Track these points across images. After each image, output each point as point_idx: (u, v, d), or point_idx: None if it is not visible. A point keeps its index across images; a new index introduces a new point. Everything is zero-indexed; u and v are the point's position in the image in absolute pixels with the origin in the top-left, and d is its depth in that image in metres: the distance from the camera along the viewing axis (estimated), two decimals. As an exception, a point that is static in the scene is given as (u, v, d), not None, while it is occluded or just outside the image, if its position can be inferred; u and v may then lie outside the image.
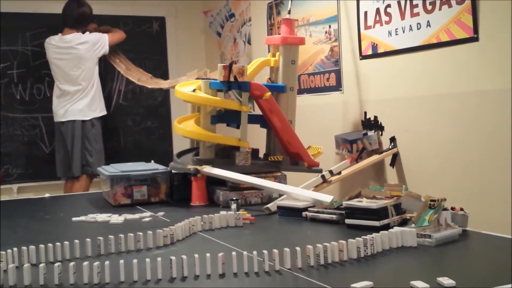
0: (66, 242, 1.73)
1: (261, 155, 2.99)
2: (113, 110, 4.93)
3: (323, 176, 2.82)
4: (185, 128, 2.79)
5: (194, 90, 2.83)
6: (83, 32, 4.32)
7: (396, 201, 2.00)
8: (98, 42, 4.30)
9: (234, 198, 2.32)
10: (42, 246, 1.69)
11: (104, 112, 4.43)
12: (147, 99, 5.07)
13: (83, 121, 4.27)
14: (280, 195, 2.50)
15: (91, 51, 4.28)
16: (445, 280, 1.34)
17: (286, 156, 2.90)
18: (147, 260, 1.49)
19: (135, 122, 5.04)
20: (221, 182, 2.66)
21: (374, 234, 1.68)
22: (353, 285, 1.33)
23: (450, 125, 2.79)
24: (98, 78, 4.38)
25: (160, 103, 5.10)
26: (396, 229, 1.75)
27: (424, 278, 1.35)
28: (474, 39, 2.62)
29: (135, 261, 1.49)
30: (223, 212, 2.16)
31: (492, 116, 2.58)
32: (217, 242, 1.90)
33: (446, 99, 2.81)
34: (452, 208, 1.89)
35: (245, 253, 1.54)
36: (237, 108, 2.77)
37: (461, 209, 1.90)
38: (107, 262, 1.49)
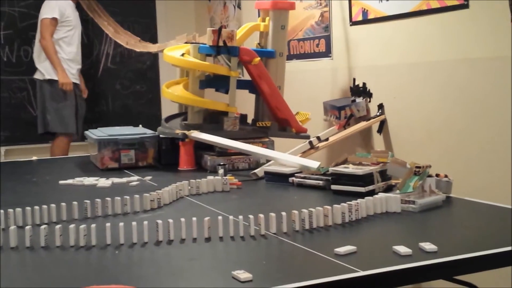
0: (53, 205, 1.74)
1: (249, 120, 2.99)
2: (101, 73, 4.89)
3: (310, 142, 2.83)
4: (173, 93, 2.78)
5: (183, 55, 2.80)
6: None
7: (382, 167, 2.01)
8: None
9: (222, 163, 2.33)
10: (28, 208, 1.70)
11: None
12: (135, 63, 5.02)
13: (43, 80, 4.28)
14: (268, 161, 2.51)
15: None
16: (427, 245, 1.36)
17: (274, 122, 2.90)
18: (134, 223, 1.50)
19: (124, 86, 5.00)
20: (209, 147, 2.66)
21: (359, 200, 1.70)
22: (336, 249, 1.35)
23: (439, 93, 2.80)
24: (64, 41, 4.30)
25: (149, 67, 5.06)
26: (381, 195, 1.77)
27: (407, 243, 1.37)
28: (464, 6, 2.61)
29: (121, 224, 1.50)
30: (210, 177, 2.17)
31: (481, 84, 2.58)
32: (204, 207, 1.91)
33: (436, 66, 2.81)
34: (437, 175, 1.91)
35: (231, 217, 1.55)
36: (226, 73, 2.75)
37: (446, 176, 1.92)
38: (93, 225, 1.49)
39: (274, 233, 1.55)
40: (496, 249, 1.36)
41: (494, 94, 2.51)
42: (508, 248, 1.37)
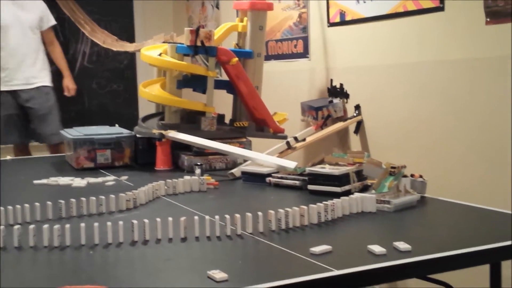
0: (27, 205, 1.72)
1: (227, 120, 2.98)
2: (77, 72, 4.84)
3: (288, 143, 2.83)
4: (150, 92, 2.76)
5: (160, 54, 2.79)
6: None
7: (358, 167, 2.03)
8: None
9: (199, 163, 2.33)
10: (1, 208, 1.67)
11: (7, 85, 4.10)
12: (112, 62, 4.98)
13: None
14: (245, 161, 2.51)
15: None
16: (401, 245, 1.37)
17: (251, 122, 2.90)
18: (108, 223, 1.49)
19: (100, 85, 4.96)
20: (186, 147, 2.65)
21: (334, 200, 1.71)
22: (312, 248, 1.36)
23: (416, 94, 2.83)
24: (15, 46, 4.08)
25: (126, 66, 5.03)
26: (357, 195, 1.78)
27: (382, 243, 1.39)
28: (440, 8, 2.64)
29: (96, 224, 1.49)
30: (187, 177, 2.16)
31: (458, 85, 2.62)
32: (180, 207, 1.90)
33: (413, 68, 2.84)
34: (412, 175, 1.93)
35: (207, 217, 1.55)
36: (203, 73, 2.75)
37: (420, 176, 1.94)
38: (67, 225, 1.48)
39: (250, 233, 1.55)
40: (470, 248, 1.38)
41: (471, 95, 2.55)
42: (482, 247, 1.39)
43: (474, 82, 2.52)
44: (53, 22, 4.24)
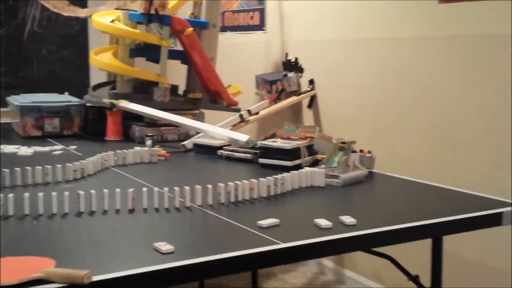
0: (-32, 173, 1.66)
1: (180, 92, 2.95)
2: (26, 37, 4.67)
3: (241, 116, 2.83)
4: (102, 60, 2.70)
5: (112, 21, 2.72)
6: None
7: (309, 142, 2.04)
8: None
9: (150, 134, 2.30)
10: None
11: None
12: (63, 28, 4.82)
13: None
14: (197, 133, 2.50)
15: None
16: (347, 219, 1.40)
17: (205, 94, 2.88)
18: (53, 193, 1.46)
19: (50, 51, 4.80)
20: (137, 118, 2.61)
21: (284, 174, 1.72)
22: (259, 222, 1.37)
23: (369, 71, 2.86)
24: None
25: (78, 32, 4.88)
26: (307, 169, 1.80)
27: (328, 217, 1.41)
28: (395, -14, 2.66)
29: (40, 194, 1.45)
30: (137, 148, 2.14)
31: (409, 63, 2.65)
32: (130, 178, 1.88)
33: (366, 44, 2.86)
34: (361, 151, 1.96)
35: (156, 189, 1.54)
36: (157, 43, 2.70)
37: (369, 152, 1.97)
38: (11, 195, 1.44)
39: (199, 206, 1.54)
40: (413, 222, 1.42)
41: (423, 73, 2.59)
42: (425, 222, 1.42)
43: (427, 61, 2.56)
44: None
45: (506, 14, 2.21)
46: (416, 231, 1.43)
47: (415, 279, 1.75)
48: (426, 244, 1.69)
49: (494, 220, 1.53)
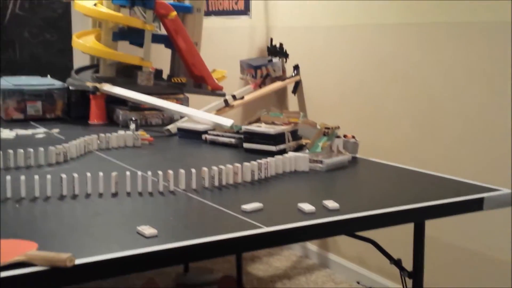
0: (-52, 157, 1.64)
1: (164, 76, 2.93)
2: (8, 19, 4.60)
3: (225, 100, 2.82)
4: (85, 44, 2.67)
5: (95, 4, 2.68)
6: None
7: (293, 127, 2.05)
8: None
9: (133, 118, 2.29)
10: None
11: None
12: (46, 10, 4.76)
13: None
14: (182, 117, 2.49)
15: None
16: (330, 203, 1.40)
17: (190, 78, 2.86)
18: (36, 176, 1.45)
19: (33, 34, 4.74)
20: (121, 101, 2.59)
21: (268, 158, 1.72)
22: (243, 206, 1.37)
23: (353, 57, 2.86)
24: None
25: (60, 15, 4.82)
26: (291, 154, 1.80)
27: (312, 201, 1.41)
28: (380, -28, 2.66)
29: (22, 177, 1.44)
30: (121, 132, 2.12)
31: (392, 49, 2.66)
32: (113, 162, 1.87)
33: (350, 30, 2.86)
34: (345, 136, 1.97)
35: (139, 173, 1.53)
36: (140, 26, 2.67)
37: (353, 137, 1.98)
38: (-8, 178, 1.43)
39: (183, 190, 1.54)
40: (396, 207, 1.43)
41: (406, 59, 2.60)
42: (407, 207, 1.44)
43: (411, 47, 2.57)
44: None
45: (490, 1, 2.22)
46: (398, 216, 1.44)
47: (397, 262, 1.77)
48: (408, 229, 1.70)
49: (476, 205, 1.55)
